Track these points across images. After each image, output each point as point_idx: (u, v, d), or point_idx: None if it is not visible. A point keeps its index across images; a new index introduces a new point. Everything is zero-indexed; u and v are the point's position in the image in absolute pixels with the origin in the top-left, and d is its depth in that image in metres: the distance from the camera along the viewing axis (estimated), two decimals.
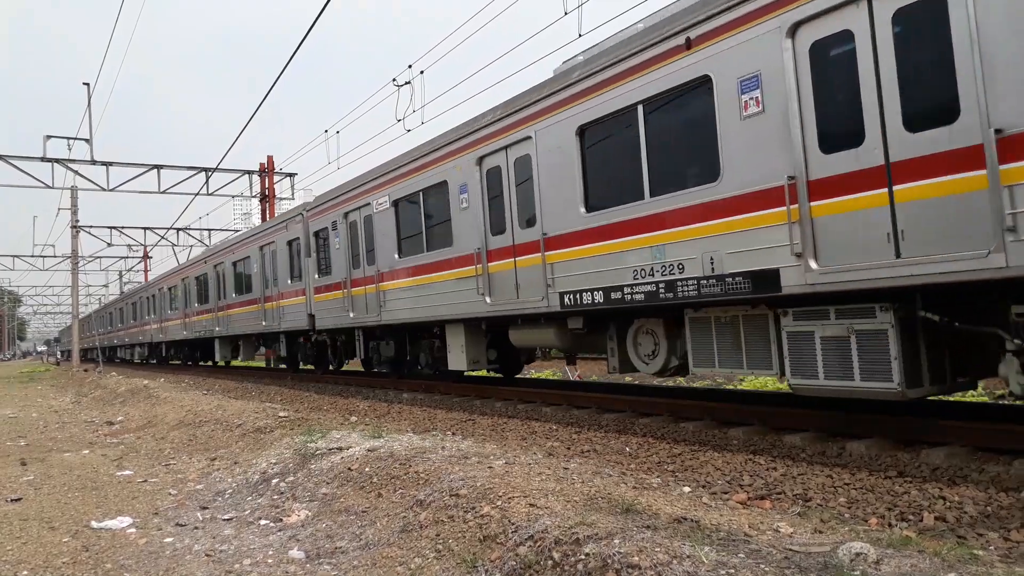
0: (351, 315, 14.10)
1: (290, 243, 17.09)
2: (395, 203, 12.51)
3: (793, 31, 6.05)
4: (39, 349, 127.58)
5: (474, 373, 13.73)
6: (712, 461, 6.41)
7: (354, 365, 19.19)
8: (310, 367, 19.37)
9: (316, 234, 15.76)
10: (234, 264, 21.35)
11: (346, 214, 14.27)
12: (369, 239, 13.46)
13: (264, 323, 18.81)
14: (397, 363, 14.38)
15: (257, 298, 19.23)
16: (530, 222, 9.23)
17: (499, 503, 4.25)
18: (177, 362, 34.82)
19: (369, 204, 13.35)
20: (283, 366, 21.86)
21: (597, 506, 4.11)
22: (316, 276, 15.68)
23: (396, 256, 12.52)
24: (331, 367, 17.51)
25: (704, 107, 6.91)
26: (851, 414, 6.97)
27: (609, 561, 3.19)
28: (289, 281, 17.10)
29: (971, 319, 5.60)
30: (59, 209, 36.29)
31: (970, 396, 10.26)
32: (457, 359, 11.56)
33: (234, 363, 29.12)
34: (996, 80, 4.93)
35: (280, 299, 17.67)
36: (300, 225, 16.45)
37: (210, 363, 31.22)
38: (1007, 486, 5.01)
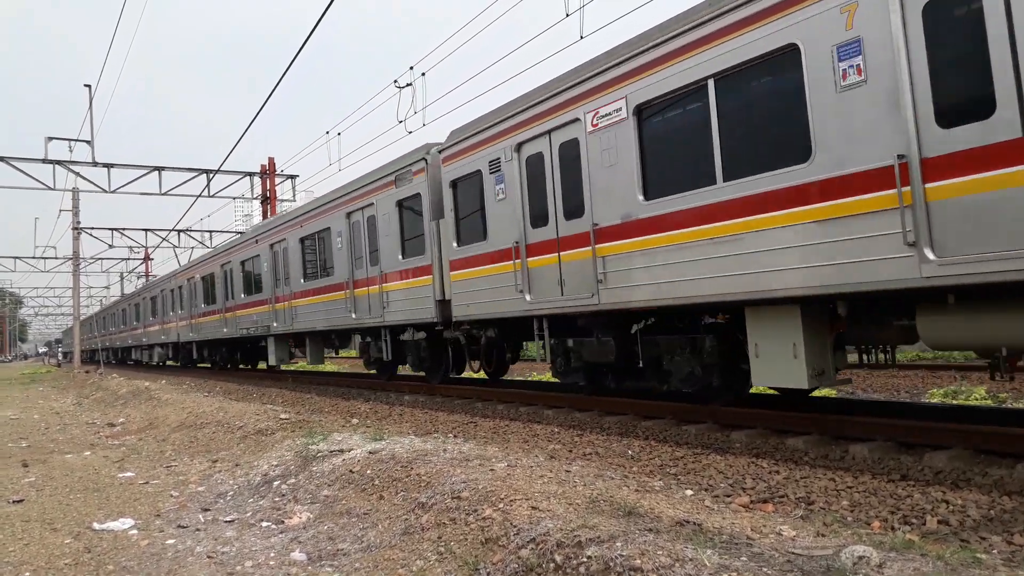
0: (527, 298, 10.05)
1: (400, 204, 13.03)
2: (639, 109, 8.07)
3: None
4: (40, 351, 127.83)
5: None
6: (715, 464, 6.41)
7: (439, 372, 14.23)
8: (419, 374, 14.70)
9: (455, 184, 11.50)
10: (302, 241, 17.14)
11: (519, 145, 10.02)
12: (569, 178, 9.20)
13: (354, 315, 14.69)
14: (600, 372, 10.03)
15: (342, 282, 15.13)
16: None
17: (501, 506, 4.24)
18: (207, 366, 30.15)
19: (576, 121, 8.95)
20: (373, 371, 16.95)
21: (599, 509, 4.10)
22: (455, 245, 11.53)
23: (640, 197, 8.09)
24: (456, 373, 13.81)
25: None
26: (853, 417, 6.96)
27: (611, 564, 3.18)
28: (400, 257, 13.05)
29: None
30: (60, 211, 36.48)
31: (973, 399, 10.25)
32: (780, 368, 6.90)
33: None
34: None
35: (383, 282, 13.61)
36: (423, 176, 12.30)
37: (248, 366, 26.76)
38: (1010, 489, 5.00)
